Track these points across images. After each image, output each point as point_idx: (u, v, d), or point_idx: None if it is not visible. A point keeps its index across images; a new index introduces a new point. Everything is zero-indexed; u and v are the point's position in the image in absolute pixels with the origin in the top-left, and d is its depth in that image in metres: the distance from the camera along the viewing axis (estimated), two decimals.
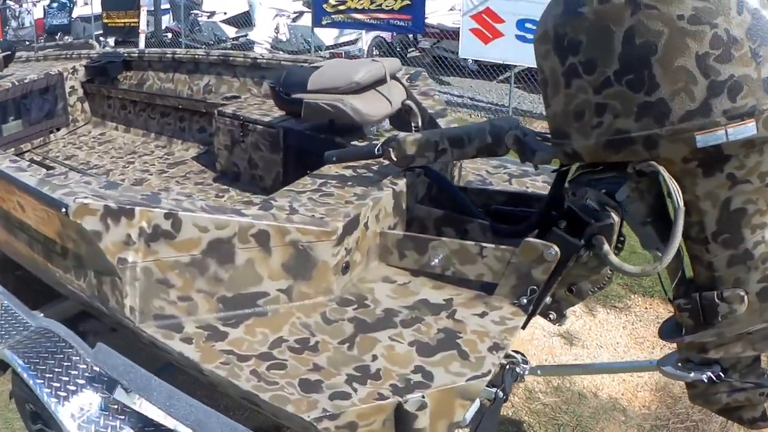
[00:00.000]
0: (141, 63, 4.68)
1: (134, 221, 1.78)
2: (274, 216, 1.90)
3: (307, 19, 9.79)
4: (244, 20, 10.52)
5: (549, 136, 1.79)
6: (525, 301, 1.93)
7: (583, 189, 1.71)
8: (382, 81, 2.78)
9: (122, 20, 10.19)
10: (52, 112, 4.75)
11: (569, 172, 1.87)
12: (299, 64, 3.67)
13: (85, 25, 12.52)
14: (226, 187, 3.47)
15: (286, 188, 2.25)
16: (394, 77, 2.86)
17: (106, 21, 10.86)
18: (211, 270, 1.84)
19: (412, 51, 11.05)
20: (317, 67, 2.82)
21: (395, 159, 2.16)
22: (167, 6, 11.68)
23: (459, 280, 2.06)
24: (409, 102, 2.32)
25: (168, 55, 4.52)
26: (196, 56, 4.30)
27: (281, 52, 10.10)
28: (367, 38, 10.20)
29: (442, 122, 2.79)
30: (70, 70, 4.84)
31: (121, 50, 4.98)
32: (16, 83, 4.50)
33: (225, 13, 10.73)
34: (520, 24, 7.25)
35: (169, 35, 11.60)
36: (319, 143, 2.93)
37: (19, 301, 2.62)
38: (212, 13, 10.72)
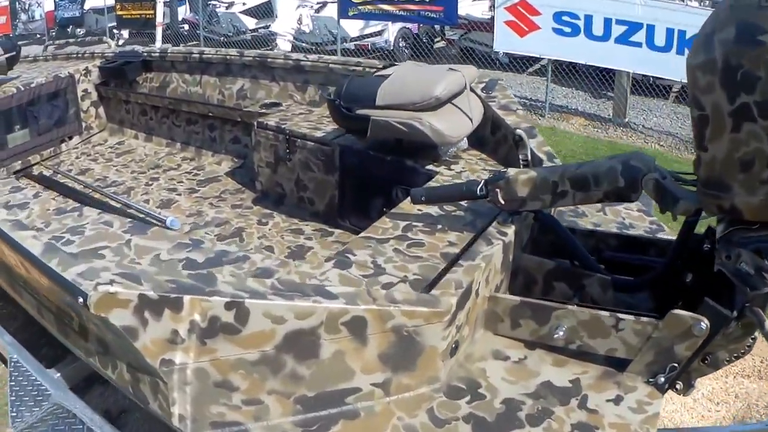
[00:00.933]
0: (163, 63, 4.21)
1: (183, 314, 1.36)
2: (372, 296, 1.45)
3: (330, 10, 9.29)
4: (264, 11, 10.01)
5: (687, 178, 1.57)
6: (662, 380, 1.58)
7: (737, 251, 1.42)
8: (459, 93, 2.34)
9: (138, 11, 9.66)
10: (63, 119, 4.28)
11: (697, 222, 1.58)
12: (351, 68, 3.22)
13: (98, 17, 11.98)
14: (269, 211, 3.06)
15: (362, 235, 1.80)
16: (471, 89, 2.42)
17: (120, 12, 10.33)
18: (287, 367, 1.41)
19: (438, 41, 10.57)
20: (383, 77, 2.37)
21: (503, 202, 1.72)
22: None
23: (582, 353, 1.64)
24: (520, 131, 1.86)
25: (195, 55, 4.03)
26: (228, 56, 3.83)
27: (304, 44, 9.65)
28: (393, 29, 9.70)
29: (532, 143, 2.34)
30: (83, 72, 4.36)
31: (140, 48, 4.48)
32: (22, 88, 4.01)
33: (244, 4, 10.22)
34: (557, 17, 6.90)
35: (186, 27, 11.12)
36: (385, 166, 2.50)
37: (32, 356, 2.22)
38: (231, 4, 10.20)
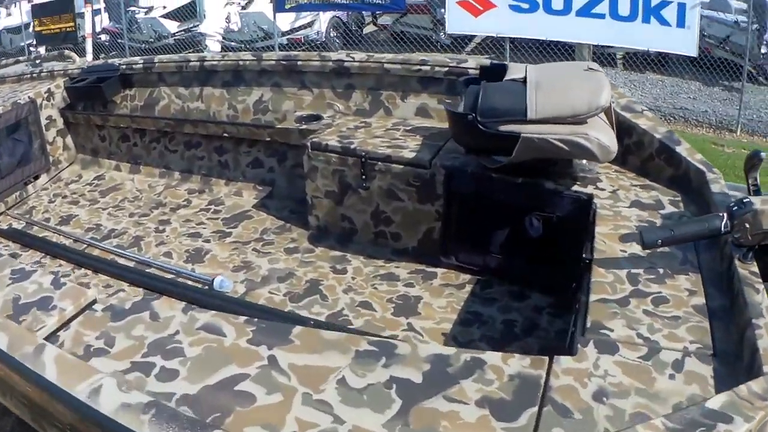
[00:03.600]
0: (148, 77, 3.49)
1: None
2: (750, 401, 1.05)
3: (259, 5, 8.70)
4: (186, 13, 9.18)
5: None
6: None
7: None
8: None
9: (57, 26, 8.62)
10: (27, 156, 3.50)
11: None
12: (415, 67, 2.75)
13: (12, 36, 10.83)
14: (338, 253, 2.57)
15: (596, 299, 1.46)
16: None
17: (39, 29, 9.34)
18: None
19: (368, 26, 10.21)
20: (519, 82, 2.01)
21: (750, 237, 1.45)
22: (99, 6, 10.13)
23: None
24: (763, 153, 1.57)
25: (193, 63, 3.32)
26: (241, 62, 3.19)
27: (233, 43, 8.99)
28: (324, 19, 9.23)
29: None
30: (45, 95, 3.57)
31: (117, 62, 3.70)
32: None
33: (164, 8, 9.36)
34: None
35: (103, 37, 10.07)
36: (517, 191, 2.14)
37: None
38: (150, 9, 9.32)
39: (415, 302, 2.21)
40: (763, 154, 1.53)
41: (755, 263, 1.46)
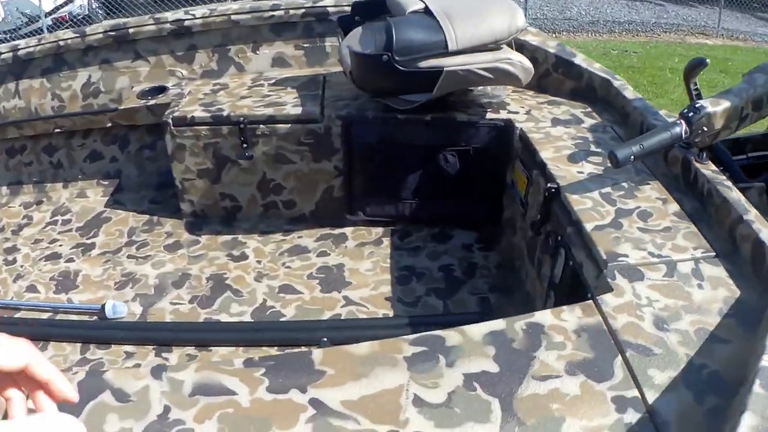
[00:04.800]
0: None
1: None
2: None
3: None
4: None
5: None
6: None
7: None
8: None
9: None
10: None
11: None
12: (268, 14, 2.47)
13: None
14: (229, 237, 2.25)
15: (590, 231, 1.38)
16: None
17: None
18: None
19: None
20: (426, 13, 1.86)
21: (707, 139, 1.50)
22: None
23: None
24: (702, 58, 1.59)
25: (4, 55, 2.64)
26: (62, 42, 2.58)
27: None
28: None
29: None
30: None
31: None
32: None
33: None
34: None
35: None
36: (427, 129, 2.02)
37: None
38: None
39: (338, 272, 2.01)
40: (707, 61, 1.56)
41: (711, 163, 1.50)
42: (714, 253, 1.26)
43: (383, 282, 1.95)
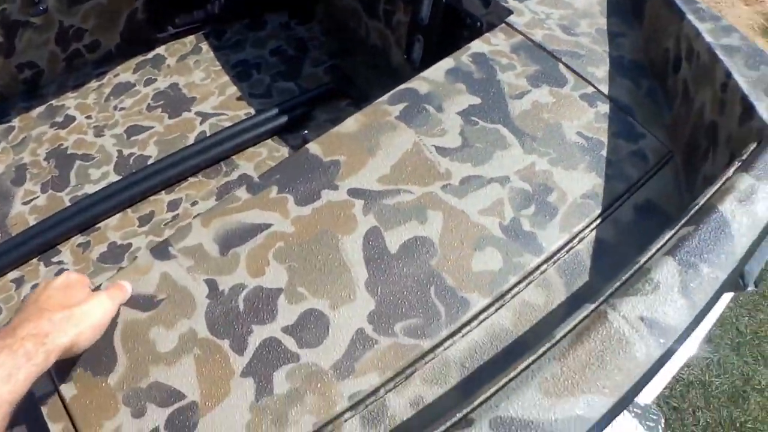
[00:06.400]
0: None
1: None
2: None
3: None
4: None
5: None
6: None
7: None
8: None
9: None
10: None
11: None
12: None
13: None
14: (45, 104, 1.93)
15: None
16: None
17: None
18: None
19: None
20: None
21: None
22: None
23: None
24: None
25: None
26: None
27: None
28: None
29: None
30: None
31: None
32: None
33: None
34: None
35: None
36: None
37: None
38: None
39: (176, 92, 1.83)
40: None
41: None
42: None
43: (226, 84, 1.84)
